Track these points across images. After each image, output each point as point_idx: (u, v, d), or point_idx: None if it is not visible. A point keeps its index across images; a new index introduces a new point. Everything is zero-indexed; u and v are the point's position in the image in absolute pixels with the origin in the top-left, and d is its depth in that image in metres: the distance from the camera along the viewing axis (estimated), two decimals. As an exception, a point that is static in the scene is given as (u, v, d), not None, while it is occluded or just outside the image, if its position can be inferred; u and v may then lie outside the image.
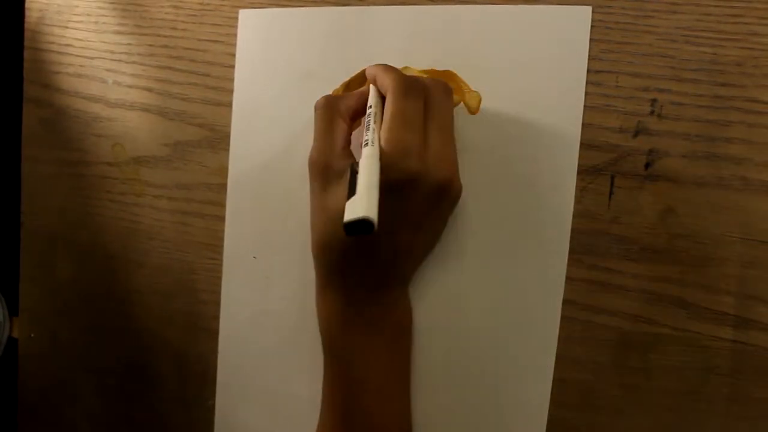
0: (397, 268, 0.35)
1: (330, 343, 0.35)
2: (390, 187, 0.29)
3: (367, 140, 0.31)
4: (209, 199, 0.42)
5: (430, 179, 0.31)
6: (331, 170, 0.32)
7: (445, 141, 0.32)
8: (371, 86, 0.34)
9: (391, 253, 0.34)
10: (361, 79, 0.38)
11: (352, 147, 0.34)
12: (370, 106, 0.33)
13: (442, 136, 0.32)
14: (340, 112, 0.34)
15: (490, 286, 0.36)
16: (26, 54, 0.46)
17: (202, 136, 0.42)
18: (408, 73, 0.37)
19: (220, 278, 0.42)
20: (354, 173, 0.29)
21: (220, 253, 0.42)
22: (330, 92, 0.38)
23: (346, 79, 0.38)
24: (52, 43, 0.46)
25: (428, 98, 0.32)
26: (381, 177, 0.28)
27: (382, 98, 0.34)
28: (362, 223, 0.26)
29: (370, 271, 0.34)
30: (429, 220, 0.34)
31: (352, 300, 0.34)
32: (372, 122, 0.32)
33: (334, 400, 0.35)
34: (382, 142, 0.30)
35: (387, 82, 0.32)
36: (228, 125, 0.41)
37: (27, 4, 0.46)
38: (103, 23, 0.44)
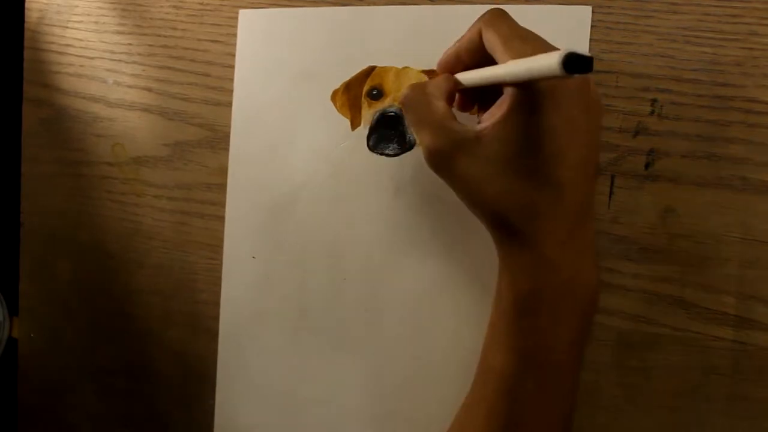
0: (585, 194, 0.30)
1: (516, 304, 0.30)
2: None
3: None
4: (209, 199, 0.42)
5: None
6: (465, 143, 0.28)
7: (548, 44, 0.29)
8: (458, 74, 0.32)
9: (576, 176, 0.28)
10: (361, 78, 0.38)
11: None
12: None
13: (541, 40, 0.29)
14: (433, 94, 0.31)
15: (491, 285, 0.35)
16: (26, 54, 0.46)
17: (202, 136, 0.42)
18: (408, 72, 0.37)
19: (219, 278, 0.42)
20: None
21: (220, 253, 0.42)
22: (330, 92, 0.38)
23: (346, 79, 0.38)
24: (52, 43, 0.46)
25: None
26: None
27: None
28: (578, 59, 0.21)
29: (557, 213, 0.28)
30: (597, 137, 0.30)
31: (541, 254, 0.29)
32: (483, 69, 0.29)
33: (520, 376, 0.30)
34: (509, 60, 0.27)
35: (472, 27, 0.30)
36: (228, 125, 0.41)
37: (27, 4, 0.46)
38: (103, 23, 0.44)
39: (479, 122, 0.29)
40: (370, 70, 0.38)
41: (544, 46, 0.28)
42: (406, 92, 0.32)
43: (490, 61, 0.29)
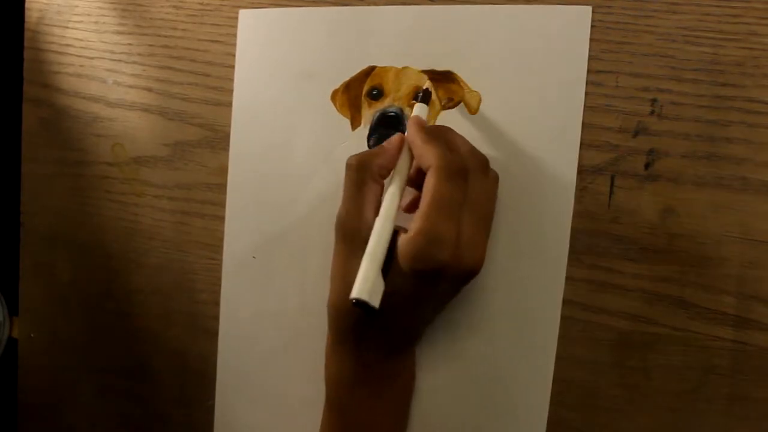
0: (412, 337, 0.35)
1: (336, 400, 0.35)
2: (419, 275, 0.30)
3: (382, 211, 0.31)
4: (209, 199, 0.42)
5: (460, 269, 0.30)
6: (359, 236, 0.31)
7: (478, 224, 0.31)
8: (404, 149, 0.33)
9: (409, 325, 0.34)
10: (361, 78, 0.38)
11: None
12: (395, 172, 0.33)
13: (476, 221, 0.30)
14: (372, 174, 0.33)
15: (490, 285, 0.35)
16: (26, 54, 0.46)
17: (202, 136, 0.42)
18: (408, 72, 0.37)
19: (219, 278, 0.42)
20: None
21: (220, 253, 0.42)
22: (330, 92, 0.38)
23: (346, 79, 0.38)
24: (52, 43, 0.46)
25: (467, 177, 0.31)
26: (409, 264, 0.29)
27: (410, 158, 0.33)
28: (363, 303, 0.28)
29: (384, 338, 0.34)
30: (451, 298, 0.34)
31: (363, 361, 0.34)
32: (396, 183, 0.32)
33: None
34: (416, 229, 0.29)
35: (429, 158, 0.30)
36: (228, 125, 0.41)
37: (27, 4, 0.46)
38: (103, 23, 0.44)
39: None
40: (370, 70, 0.38)
41: (462, 232, 0.30)
42: (354, 157, 0.33)
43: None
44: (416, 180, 0.33)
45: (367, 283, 0.28)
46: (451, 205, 0.29)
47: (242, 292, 0.41)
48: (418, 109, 0.35)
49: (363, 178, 0.32)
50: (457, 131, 0.35)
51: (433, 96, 0.37)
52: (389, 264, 0.30)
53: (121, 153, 0.44)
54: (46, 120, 0.46)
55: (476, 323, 0.36)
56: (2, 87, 0.48)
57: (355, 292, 0.28)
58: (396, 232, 0.31)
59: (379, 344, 0.34)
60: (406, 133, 0.34)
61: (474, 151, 0.32)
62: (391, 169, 0.33)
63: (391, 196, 0.31)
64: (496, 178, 0.34)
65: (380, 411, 0.35)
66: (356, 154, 0.33)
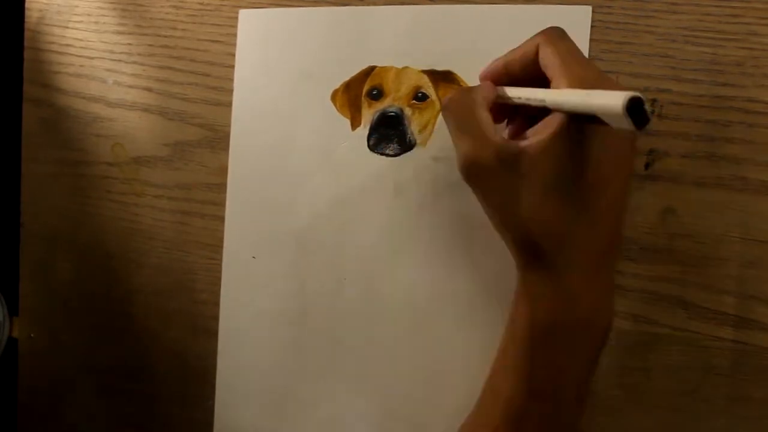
0: (616, 231, 0.29)
1: (529, 333, 0.29)
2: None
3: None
4: (209, 199, 0.42)
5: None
6: (506, 159, 0.27)
7: (602, 72, 0.28)
8: (504, 87, 0.31)
9: (610, 212, 0.28)
10: (361, 78, 0.38)
11: None
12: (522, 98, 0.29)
13: (597, 68, 0.28)
14: (479, 102, 0.30)
15: (491, 285, 0.35)
16: (26, 54, 0.46)
17: (202, 136, 0.42)
18: (408, 72, 0.37)
19: (219, 278, 0.42)
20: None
21: (220, 253, 0.42)
22: (330, 92, 0.38)
23: (346, 79, 0.38)
24: (52, 43, 0.46)
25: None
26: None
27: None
28: (637, 106, 0.21)
29: (588, 247, 0.28)
30: (632, 164, 0.30)
31: (564, 284, 0.28)
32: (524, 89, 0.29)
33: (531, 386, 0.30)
34: (565, 83, 0.26)
35: (532, 41, 0.29)
36: (228, 125, 0.41)
37: (27, 4, 0.46)
38: (103, 23, 0.44)
39: (510, 136, 0.29)
40: (370, 70, 0.38)
41: (602, 78, 0.27)
42: (450, 96, 0.31)
43: (538, 78, 0.29)
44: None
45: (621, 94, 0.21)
46: (581, 55, 0.28)
47: (242, 292, 0.41)
48: None
49: (472, 109, 0.29)
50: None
51: (433, 96, 0.37)
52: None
53: (121, 153, 0.44)
54: (46, 120, 0.46)
55: (476, 323, 0.36)
56: (2, 87, 0.48)
57: (626, 94, 0.21)
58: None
59: (582, 257, 0.28)
60: (483, 79, 0.32)
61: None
62: (492, 98, 0.30)
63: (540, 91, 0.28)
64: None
65: (574, 360, 0.29)
66: (453, 93, 0.31)
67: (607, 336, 0.30)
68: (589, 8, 0.34)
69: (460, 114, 0.30)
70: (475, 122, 0.29)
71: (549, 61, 0.28)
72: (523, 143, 0.27)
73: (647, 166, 0.34)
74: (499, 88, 0.31)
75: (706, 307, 0.33)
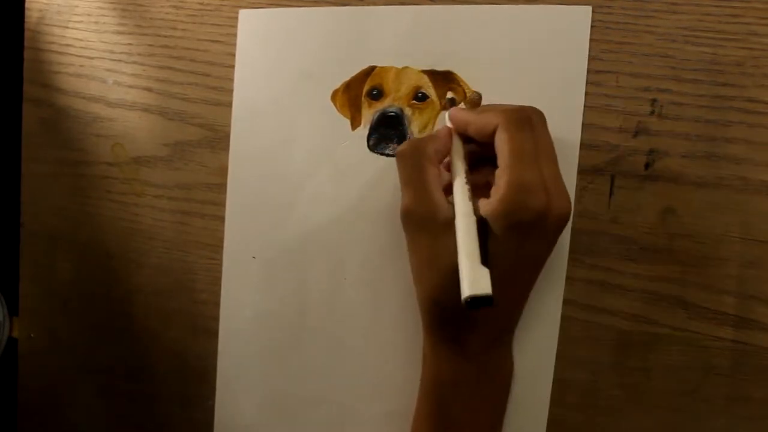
0: (513, 319, 0.33)
1: (438, 401, 0.33)
2: (516, 230, 0.29)
3: (458, 206, 0.30)
4: (209, 199, 0.42)
5: (553, 212, 0.29)
6: (436, 221, 0.30)
7: (556, 171, 0.30)
8: (453, 134, 0.33)
9: (513, 300, 0.32)
10: (361, 78, 0.38)
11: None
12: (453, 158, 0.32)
13: (551, 161, 0.30)
14: (429, 157, 0.32)
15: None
16: (26, 54, 0.46)
17: (202, 136, 0.42)
18: (408, 72, 0.37)
19: (220, 278, 0.42)
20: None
21: (220, 253, 0.42)
22: (330, 92, 0.38)
23: (346, 79, 0.38)
24: (52, 43, 0.46)
25: (534, 127, 0.30)
26: (505, 222, 0.28)
27: (464, 141, 0.33)
28: (479, 299, 0.26)
29: (488, 325, 0.32)
30: (547, 253, 0.32)
31: (466, 351, 0.32)
32: (460, 175, 0.31)
33: None
34: (505, 184, 0.29)
35: (492, 119, 0.30)
36: (228, 125, 0.41)
37: (27, 4, 0.46)
38: (103, 23, 0.44)
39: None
40: (370, 70, 0.38)
41: (547, 177, 0.29)
42: (404, 144, 0.33)
43: (493, 150, 0.30)
44: (475, 163, 0.33)
45: (473, 277, 0.27)
46: (529, 152, 0.29)
47: (242, 292, 0.41)
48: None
49: (421, 163, 0.31)
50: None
51: (433, 96, 0.37)
52: (485, 254, 0.28)
53: (121, 153, 0.44)
54: (46, 120, 0.46)
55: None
56: (2, 87, 0.48)
57: (468, 290, 0.26)
58: (481, 223, 0.30)
59: (483, 334, 0.32)
60: (450, 121, 0.33)
61: (525, 106, 0.31)
62: (445, 153, 0.33)
63: (461, 187, 0.30)
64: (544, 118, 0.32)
65: (482, 408, 0.33)
66: (406, 142, 0.33)
67: (509, 386, 0.34)
68: (589, 8, 0.34)
69: (409, 165, 0.32)
70: (421, 177, 0.31)
71: (500, 151, 0.30)
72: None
73: (647, 166, 0.34)
74: (455, 142, 0.33)
75: (706, 307, 0.33)
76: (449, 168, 0.33)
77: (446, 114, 0.34)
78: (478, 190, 0.31)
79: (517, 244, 0.29)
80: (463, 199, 0.30)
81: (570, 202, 0.30)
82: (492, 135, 0.30)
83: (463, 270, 0.28)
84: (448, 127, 0.33)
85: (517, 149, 0.29)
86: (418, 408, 0.34)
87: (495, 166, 0.30)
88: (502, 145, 0.30)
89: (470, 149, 0.33)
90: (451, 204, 0.30)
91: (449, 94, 0.36)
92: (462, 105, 0.35)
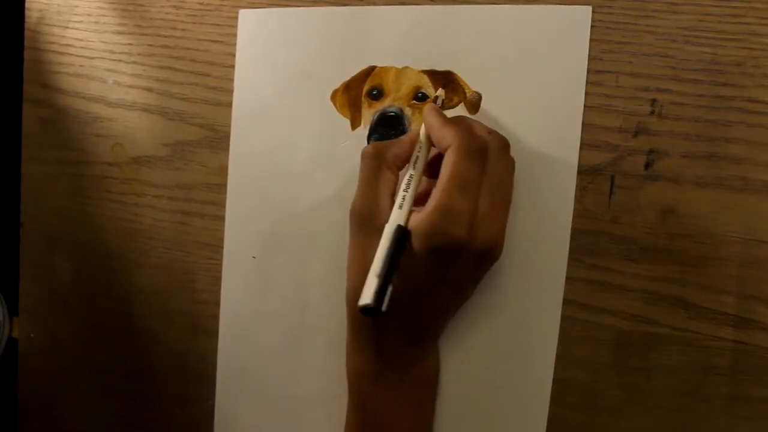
0: (433, 325, 0.35)
1: (358, 394, 0.35)
2: (434, 253, 0.29)
3: (400, 202, 0.31)
4: (209, 199, 0.42)
5: (475, 246, 0.30)
6: (374, 224, 0.32)
7: (495, 204, 0.30)
8: (421, 133, 0.33)
9: (429, 313, 0.34)
10: (361, 78, 0.38)
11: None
12: (416, 158, 0.33)
13: (493, 198, 0.30)
14: (388, 162, 0.33)
15: (490, 285, 0.35)
16: (26, 54, 0.46)
17: (202, 136, 0.42)
18: (408, 72, 0.37)
19: (219, 278, 0.42)
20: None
21: (220, 253, 0.42)
22: (330, 92, 0.38)
23: (346, 79, 0.38)
24: (52, 43, 0.46)
25: (486, 156, 0.31)
26: (424, 242, 0.29)
27: (428, 149, 0.33)
28: (370, 309, 0.27)
29: (405, 327, 0.33)
30: (469, 282, 0.34)
31: (384, 353, 0.33)
32: (406, 181, 0.32)
33: None
34: (433, 205, 0.29)
35: (448, 137, 0.31)
36: (228, 125, 0.41)
37: (27, 4, 0.46)
38: (103, 23, 0.44)
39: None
40: (370, 70, 0.38)
41: (478, 209, 0.30)
42: (369, 146, 0.34)
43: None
44: (433, 170, 0.33)
45: (368, 287, 0.28)
46: (468, 182, 0.29)
47: (242, 292, 0.41)
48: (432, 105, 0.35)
49: (378, 167, 0.33)
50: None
51: (433, 96, 0.37)
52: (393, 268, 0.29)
53: (121, 153, 0.44)
54: (46, 120, 0.46)
55: (476, 323, 0.36)
56: (2, 87, 0.48)
57: (361, 300, 0.28)
58: (405, 235, 0.30)
59: (399, 333, 0.33)
60: (423, 119, 0.34)
61: (494, 133, 0.32)
62: (406, 159, 0.33)
63: (401, 194, 0.31)
64: (513, 162, 0.33)
65: (403, 402, 0.34)
66: (372, 144, 0.34)
67: (435, 382, 0.35)
68: (589, 8, 0.34)
69: (367, 166, 0.33)
70: (374, 182, 0.33)
71: (441, 171, 0.30)
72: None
73: (647, 166, 0.34)
74: (423, 144, 0.33)
75: (706, 307, 0.33)
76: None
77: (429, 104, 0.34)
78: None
79: (432, 265, 0.30)
80: (398, 206, 0.31)
81: (499, 242, 0.32)
82: (445, 150, 0.31)
83: (368, 277, 0.28)
84: (415, 134, 0.34)
85: (457, 176, 0.29)
86: (348, 406, 0.36)
87: None
88: (445, 166, 0.30)
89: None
90: None
91: (439, 91, 0.36)
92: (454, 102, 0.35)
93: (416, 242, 0.30)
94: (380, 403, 0.34)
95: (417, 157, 0.33)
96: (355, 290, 0.32)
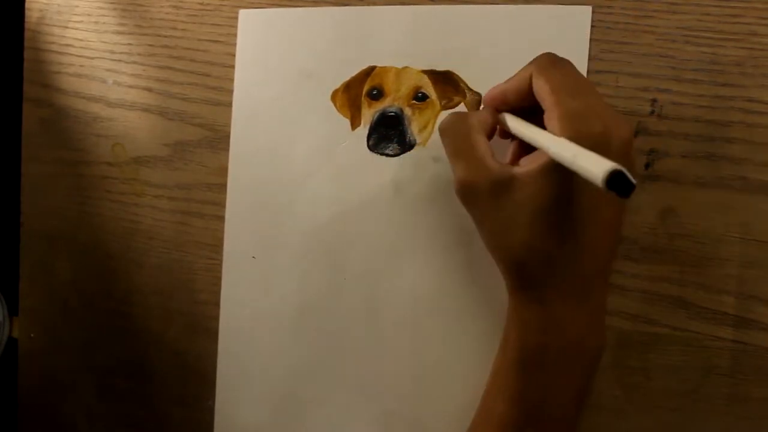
0: (605, 260, 0.30)
1: (521, 357, 0.30)
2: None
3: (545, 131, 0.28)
4: (209, 199, 0.42)
5: (615, 135, 0.27)
6: (498, 184, 0.29)
7: (602, 100, 0.29)
8: (502, 112, 0.32)
9: (596, 240, 0.29)
10: (361, 78, 0.38)
11: None
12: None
13: (597, 95, 0.29)
14: (474, 127, 0.31)
15: (490, 285, 0.35)
16: (26, 54, 0.46)
17: (202, 136, 0.42)
18: (408, 72, 0.37)
19: (219, 278, 0.42)
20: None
21: (220, 253, 0.42)
22: (330, 92, 0.38)
23: (346, 79, 0.38)
24: (52, 43, 0.46)
25: (566, 61, 0.29)
26: (571, 134, 0.26)
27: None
28: (621, 177, 0.21)
29: (576, 273, 0.29)
30: (621, 214, 0.30)
31: (553, 313, 0.29)
32: (518, 121, 0.30)
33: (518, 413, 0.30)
34: (556, 119, 0.27)
35: (525, 71, 0.30)
36: (228, 125, 0.41)
37: (27, 4, 0.46)
38: (103, 23, 0.44)
39: (513, 155, 0.31)
40: (370, 70, 0.38)
41: (595, 105, 0.28)
42: (447, 119, 0.32)
43: (537, 106, 0.29)
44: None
45: (596, 157, 0.22)
46: (571, 86, 0.28)
47: (242, 292, 0.41)
48: None
49: (467, 133, 0.30)
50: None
51: (433, 96, 0.37)
52: None
53: (121, 153, 0.44)
54: (46, 120, 0.46)
55: (476, 323, 0.36)
56: (2, 87, 0.48)
57: (607, 166, 0.21)
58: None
59: (572, 284, 0.29)
60: (486, 104, 0.32)
61: (549, 53, 0.31)
62: (489, 127, 0.31)
63: (531, 128, 0.29)
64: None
65: (568, 383, 0.30)
66: (446, 117, 0.32)
67: (599, 360, 0.31)
68: (589, 8, 0.34)
69: (456, 138, 0.31)
70: (470, 147, 0.30)
71: (541, 94, 0.29)
72: (516, 170, 0.29)
73: (647, 166, 0.34)
74: (501, 114, 0.32)
75: (706, 307, 0.33)
76: (503, 135, 0.32)
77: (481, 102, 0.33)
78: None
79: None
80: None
81: (628, 124, 0.28)
82: (530, 90, 0.29)
83: (578, 152, 0.23)
84: (490, 98, 0.32)
85: (558, 85, 0.28)
86: (493, 382, 0.32)
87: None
88: (542, 87, 0.28)
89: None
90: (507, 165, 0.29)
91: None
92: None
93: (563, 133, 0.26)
94: (544, 380, 0.30)
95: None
96: (517, 252, 0.29)
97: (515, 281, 0.31)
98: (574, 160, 0.23)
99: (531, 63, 0.30)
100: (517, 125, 0.30)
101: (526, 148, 0.31)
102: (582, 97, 0.28)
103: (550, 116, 0.28)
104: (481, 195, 0.30)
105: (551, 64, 0.29)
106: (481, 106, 0.33)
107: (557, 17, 0.34)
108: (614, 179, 0.21)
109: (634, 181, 0.21)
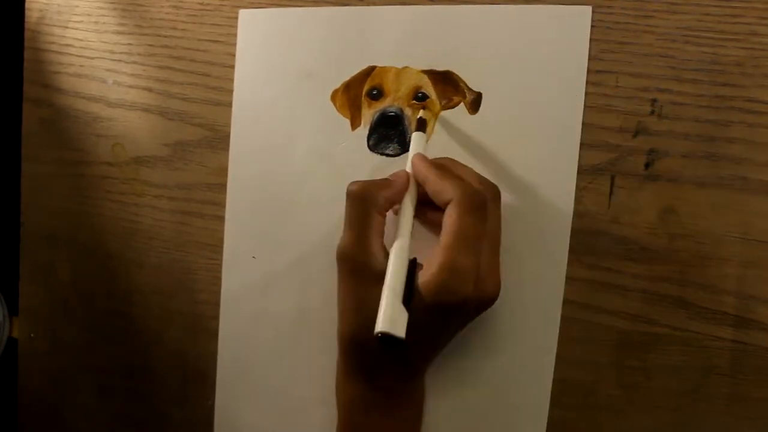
0: (426, 364, 0.35)
1: (349, 423, 0.35)
2: (440, 309, 0.30)
3: (397, 245, 0.31)
4: (209, 199, 0.42)
5: (482, 299, 0.31)
6: (367, 269, 0.31)
7: (494, 254, 0.32)
8: (410, 178, 0.33)
9: (423, 357, 0.34)
10: (361, 78, 0.38)
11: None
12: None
13: (492, 249, 0.31)
14: (378, 206, 0.32)
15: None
16: (26, 54, 0.46)
17: (202, 136, 0.42)
18: (408, 72, 0.37)
19: (219, 278, 0.42)
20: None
21: (220, 253, 0.42)
22: (330, 92, 0.38)
23: (346, 79, 0.38)
24: (52, 43, 0.46)
25: (486, 211, 0.31)
26: (433, 300, 0.29)
27: (416, 192, 0.33)
28: (389, 337, 0.27)
29: (401, 367, 0.33)
30: (466, 325, 0.34)
31: (377, 387, 0.34)
32: (406, 217, 0.32)
33: None
34: (439, 264, 0.29)
35: (449, 193, 0.30)
36: (228, 125, 0.41)
37: (27, 4, 0.46)
38: (103, 23, 0.44)
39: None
40: (370, 70, 0.38)
41: (481, 265, 0.30)
42: (358, 185, 0.33)
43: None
44: (421, 210, 0.34)
45: (392, 316, 0.28)
46: (472, 239, 0.30)
47: (242, 292, 0.41)
48: (417, 139, 0.35)
49: (368, 210, 0.32)
50: (458, 131, 0.35)
51: (433, 96, 0.37)
52: (408, 296, 0.29)
53: (121, 153, 0.44)
54: (46, 120, 0.46)
55: (476, 323, 0.36)
56: (2, 87, 0.48)
57: (381, 326, 0.28)
58: (413, 265, 0.31)
59: (395, 372, 0.33)
60: (410, 170, 0.34)
61: (485, 181, 0.33)
62: (395, 202, 0.33)
63: (404, 229, 0.32)
64: (500, 198, 0.33)
65: (394, 427, 0.34)
66: (358, 183, 0.33)
67: (421, 411, 0.36)
68: (589, 8, 0.34)
69: (357, 208, 0.32)
70: (364, 223, 0.32)
71: (444, 227, 0.30)
72: (380, 266, 0.31)
73: (647, 166, 0.34)
74: (411, 186, 0.33)
75: (706, 307, 0.33)
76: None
77: (408, 159, 0.34)
78: (427, 225, 0.34)
79: (436, 318, 0.30)
80: (405, 240, 0.31)
81: (498, 287, 0.32)
82: (445, 204, 0.31)
83: (384, 303, 0.28)
84: (406, 175, 0.34)
85: (461, 233, 0.29)
86: (337, 428, 0.36)
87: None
88: (448, 223, 0.30)
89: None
90: (387, 256, 0.31)
91: (421, 113, 0.36)
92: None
93: (425, 299, 0.29)
94: (372, 429, 0.34)
95: (406, 203, 0.33)
96: (355, 332, 0.32)
97: (347, 354, 0.34)
98: (382, 295, 0.29)
99: (458, 189, 0.30)
100: (404, 223, 0.32)
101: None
102: (473, 255, 0.30)
103: (437, 255, 0.30)
104: (353, 271, 0.32)
105: (471, 209, 0.30)
106: (408, 166, 0.34)
107: (557, 17, 0.34)
108: (383, 338, 0.28)
109: (401, 341, 0.28)
